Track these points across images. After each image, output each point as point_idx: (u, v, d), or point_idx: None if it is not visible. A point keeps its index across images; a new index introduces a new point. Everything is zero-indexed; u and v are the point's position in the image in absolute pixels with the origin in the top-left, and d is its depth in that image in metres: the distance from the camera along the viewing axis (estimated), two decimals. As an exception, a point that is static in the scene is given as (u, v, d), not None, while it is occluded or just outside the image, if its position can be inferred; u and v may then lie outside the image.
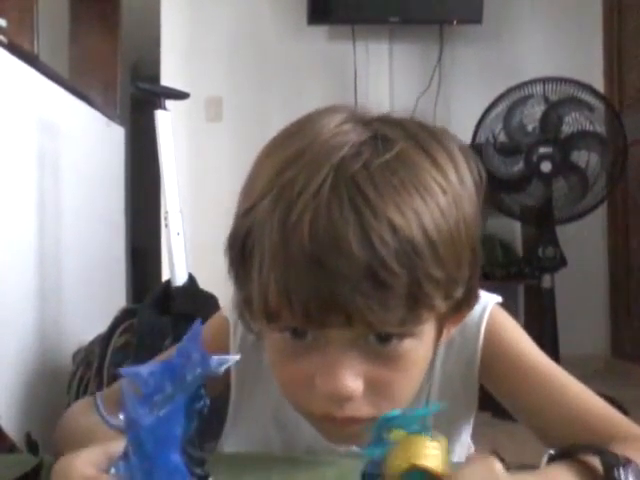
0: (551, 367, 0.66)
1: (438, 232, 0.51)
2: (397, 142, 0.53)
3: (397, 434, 0.43)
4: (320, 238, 0.49)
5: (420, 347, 0.55)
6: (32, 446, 0.64)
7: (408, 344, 0.54)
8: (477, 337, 0.67)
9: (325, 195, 0.50)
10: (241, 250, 0.54)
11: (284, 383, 0.57)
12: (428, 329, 0.56)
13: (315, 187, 0.50)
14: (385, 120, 0.56)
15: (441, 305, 0.53)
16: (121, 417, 0.43)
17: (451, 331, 0.62)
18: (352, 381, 0.52)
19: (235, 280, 0.56)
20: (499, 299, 0.69)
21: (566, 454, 0.53)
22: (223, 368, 0.42)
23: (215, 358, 0.42)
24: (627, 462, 0.50)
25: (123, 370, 0.43)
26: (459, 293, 0.55)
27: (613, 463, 0.49)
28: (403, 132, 0.54)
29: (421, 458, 0.42)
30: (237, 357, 0.44)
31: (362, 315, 0.50)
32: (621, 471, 0.49)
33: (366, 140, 0.53)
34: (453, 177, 0.54)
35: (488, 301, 0.68)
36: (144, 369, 0.43)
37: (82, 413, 0.71)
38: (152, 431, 0.42)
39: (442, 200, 0.52)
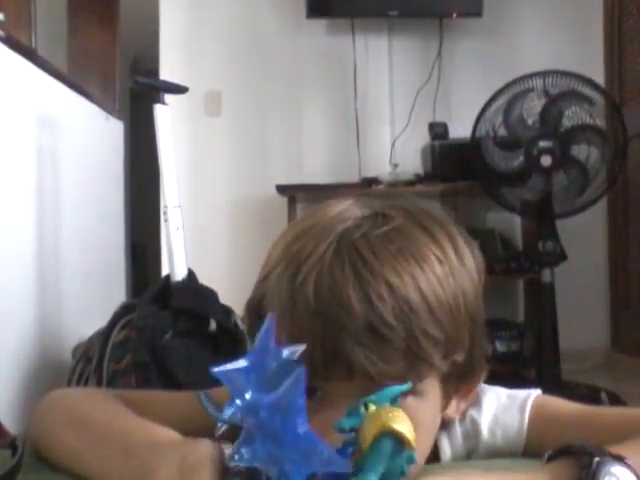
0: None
1: (435, 294, 0.55)
2: (396, 219, 0.58)
3: (370, 408, 0.45)
4: (323, 295, 0.54)
5: (424, 408, 0.57)
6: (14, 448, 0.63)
7: (411, 402, 0.55)
8: (520, 438, 0.66)
9: (328, 258, 0.55)
10: (257, 314, 0.59)
11: None
12: (432, 390, 0.58)
13: (320, 253, 0.56)
14: (389, 204, 0.61)
15: (441, 364, 0.56)
16: (228, 410, 0.43)
17: (462, 406, 0.64)
18: None
19: (253, 343, 0.59)
20: (538, 392, 0.68)
21: (562, 453, 0.53)
22: (296, 356, 0.43)
23: (286, 349, 0.44)
24: (609, 462, 0.50)
25: (216, 370, 0.43)
26: (460, 357, 0.58)
27: (585, 464, 0.50)
28: (404, 212, 0.59)
29: (392, 422, 0.44)
30: (304, 346, 0.45)
31: (362, 367, 0.53)
32: (591, 472, 0.49)
33: (368, 215, 0.59)
34: (451, 254, 0.58)
35: (526, 400, 0.66)
36: (231, 366, 0.43)
37: (99, 401, 0.66)
38: (275, 408, 0.42)
39: (438, 269, 0.56)
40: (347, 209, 0.60)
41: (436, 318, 0.55)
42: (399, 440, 0.44)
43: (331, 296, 0.54)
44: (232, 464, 0.43)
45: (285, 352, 0.43)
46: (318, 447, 0.42)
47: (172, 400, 0.71)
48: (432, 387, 0.57)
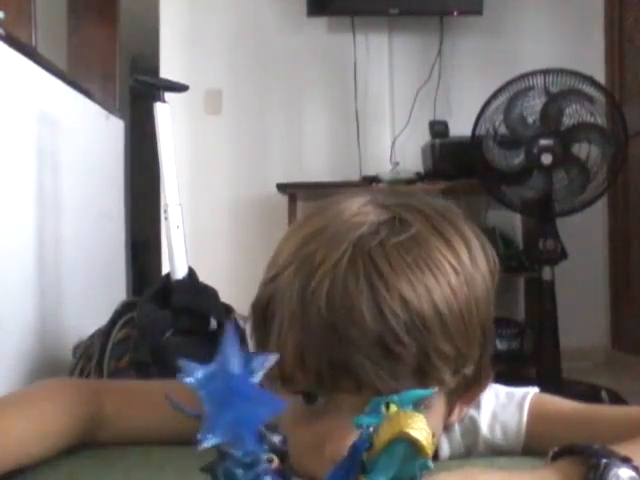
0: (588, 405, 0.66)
1: (448, 308, 0.54)
2: (413, 224, 0.56)
3: (392, 408, 0.45)
4: (336, 307, 0.53)
5: (429, 420, 0.56)
6: None
7: None
8: (519, 436, 0.65)
9: (343, 268, 0.53)
10: (263, 315, 0.58)
11: (292, 446, 0.57)
12: (437, 403, 0.57)
13: (334, 260, 0.54)
14: (405, 205, 0.59)
15: (450, 380, 0.55)
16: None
17: (464, 411, 0.64)
18: None
19: (256, 345, 0.59)
20: (536, 390, 0.68)
21: (566, 452, 0.53)
22: (267, 367, 0.42)
23: (257, 358, 0.42)
24: (617, 463, 0.49)
25: (183, 365, 0.42)
26: (469, 370, 0.57)
27: (592, 465, 0.49)
28: (421, 216, 0.57)
29: (409, 428, 0.43)
30: (277, 355, 0.43)
31: (371, 382, 0.52)
32: (598, 473, 0.49)
33: (385, 221, 0.56)
34: (466, 259, 0.57)
35: (524, 397, 0.66)
36: (198, 370, 0.42)
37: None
38: (221, 374, 0.41)
39: (454, 279, 0.55)
40: (361, 211, 0.57)
41: (448, 332, 0.54)
42: (414, 446, 0.43)
43: (343, 309, 0.52)
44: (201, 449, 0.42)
45: (256, 362, 0.41)
46: (254, 392, 0.40)
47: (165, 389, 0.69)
48: (438, 400, 0.57)
